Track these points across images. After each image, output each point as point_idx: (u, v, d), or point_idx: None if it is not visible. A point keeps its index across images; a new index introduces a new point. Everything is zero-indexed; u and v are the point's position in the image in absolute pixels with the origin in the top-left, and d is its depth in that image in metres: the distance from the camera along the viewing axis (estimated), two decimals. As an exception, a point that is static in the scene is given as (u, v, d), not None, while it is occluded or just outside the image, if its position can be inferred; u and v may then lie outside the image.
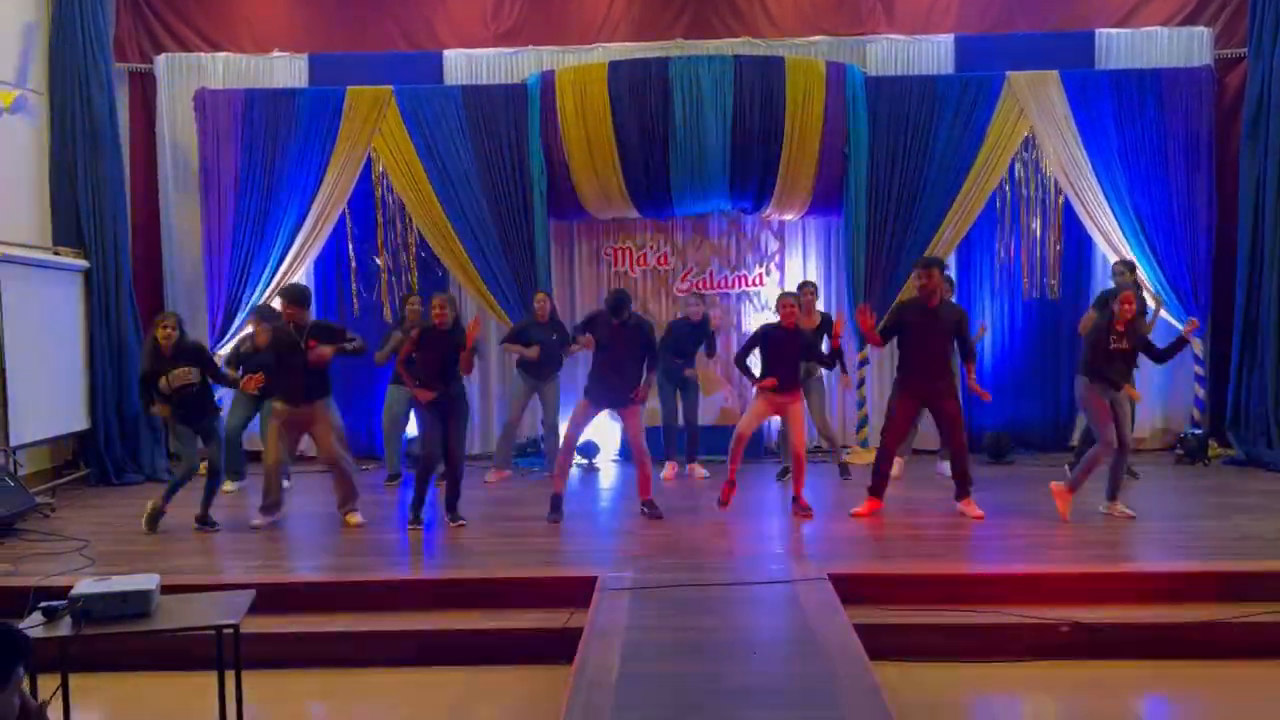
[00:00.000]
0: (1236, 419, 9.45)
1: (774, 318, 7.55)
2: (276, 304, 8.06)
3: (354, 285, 10.24)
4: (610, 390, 7.36)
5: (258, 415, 8.77)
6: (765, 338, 7.38)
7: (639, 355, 7.39)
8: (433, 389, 7.16)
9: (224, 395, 9.09)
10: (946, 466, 8.58)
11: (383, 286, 10.23)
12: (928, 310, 7.11)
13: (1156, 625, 5.39)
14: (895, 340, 7.31)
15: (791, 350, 7.35)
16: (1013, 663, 5.29)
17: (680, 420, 9.23)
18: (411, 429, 8.98)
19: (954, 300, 8.48)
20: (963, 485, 7.31)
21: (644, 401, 7.39)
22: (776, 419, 8.10)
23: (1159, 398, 9.99)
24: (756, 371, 7.48)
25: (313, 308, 8.37)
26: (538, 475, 9.20)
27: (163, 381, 7.09)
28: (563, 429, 8.00)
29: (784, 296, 7.46)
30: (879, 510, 7.35)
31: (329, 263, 10.23)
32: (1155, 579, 5.79)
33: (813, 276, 10.24)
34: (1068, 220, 9.95)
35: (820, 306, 9.15)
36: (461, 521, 7.27)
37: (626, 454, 9.75)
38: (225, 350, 9.28)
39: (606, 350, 7.35)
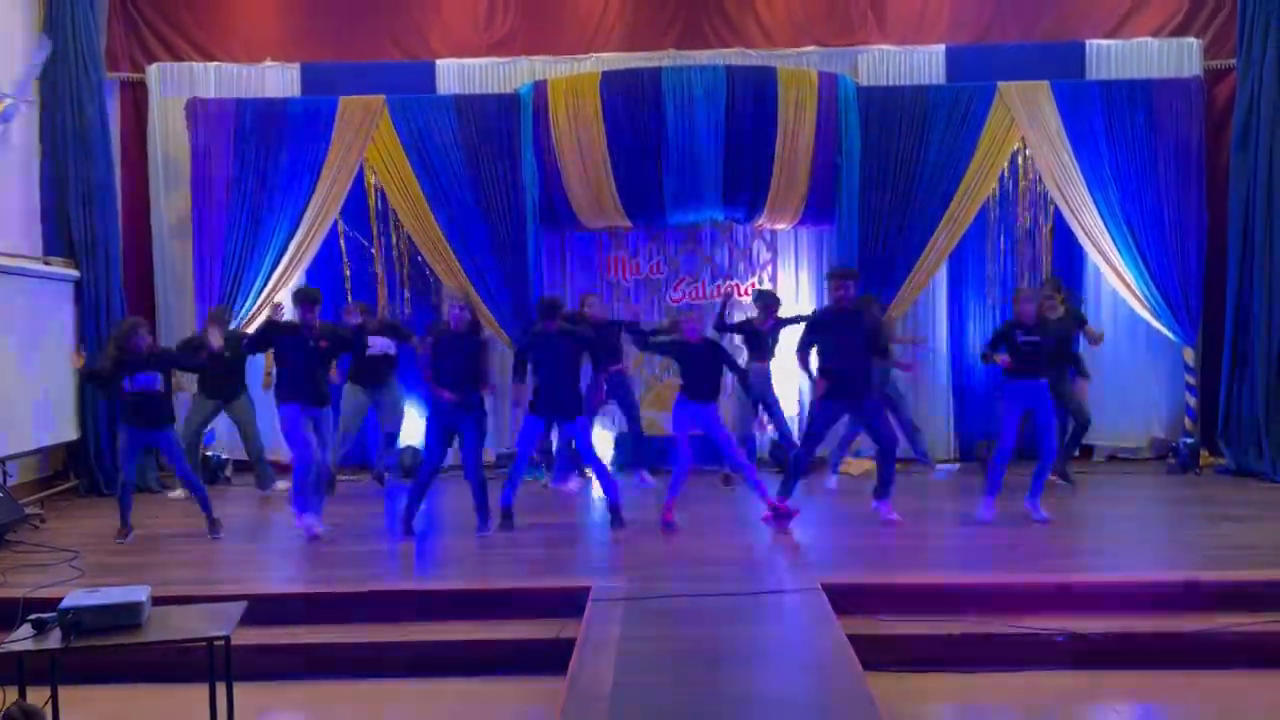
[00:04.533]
0: (1227, 428, 9.46)
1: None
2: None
3: (348, 293, 10.18)
4: (552, 403, 7.38)
5: (217, 417, 8.87)
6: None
7: (577, 363, 7.46)
8: (451, 394, 7.15)
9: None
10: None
11: (380, 294, 10.19)
12: (844, 315, 7.24)
13: (1149, 635, 5.40)
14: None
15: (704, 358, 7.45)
16: (1006, 672, 5.28)
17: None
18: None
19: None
20: (885, 486, 7.37)
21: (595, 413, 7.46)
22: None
23: (1150, 407, 10.01)
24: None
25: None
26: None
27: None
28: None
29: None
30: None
31: (322, 272, 10.17)
32: (1147, 588, 5.80)
33: (805, 286, 10.26)
34: (1059, 230, 9.97)
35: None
36: (487, 533, 7.27)
37: (619, 463, 9.72)
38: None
39: (545, 362, 7.40)
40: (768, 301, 8.94)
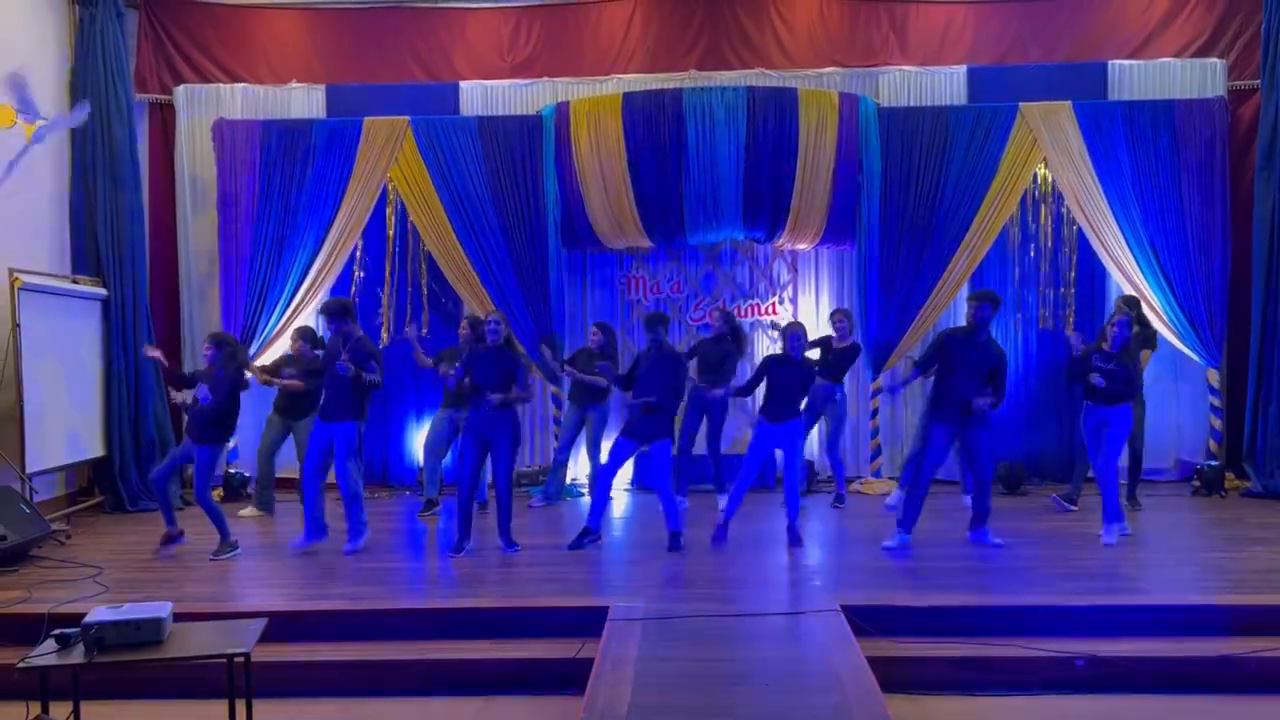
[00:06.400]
0: (1253, 451, 9.38)
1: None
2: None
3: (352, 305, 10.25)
4: (645, 424, 7.29)
5: (290, 438, 8.88)
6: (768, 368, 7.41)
7: (675, 387, 7.35)
8: (480, 408, 7.18)
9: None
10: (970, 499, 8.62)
11: (386, 315, 10.27)
12: (972, 341, 7.12)
13: (1171, 659, 5.35)
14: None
15: (790, 381, 7.36)
16: (1026, 696, 5.25)
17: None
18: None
19: None
20: (982, 517, 7.31)
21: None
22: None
23: (1176, 429, 9.94)
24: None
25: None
26: (538, 503, 9.19)
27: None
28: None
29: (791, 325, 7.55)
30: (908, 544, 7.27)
31: (344, 291, 10.25)
32: (1170, 612, 5.75)
33: (826, 306, 10.25)
34: (1081, 250, 9.95)
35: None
36: (515, 548, 7.30)
37: (639, 483, 9.73)
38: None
39: (644, 385, 7.33)
40: (846, 321, 8.95)
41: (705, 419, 8.84)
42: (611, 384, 8.00)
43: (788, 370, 7.35)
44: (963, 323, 7.68)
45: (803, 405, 7.60)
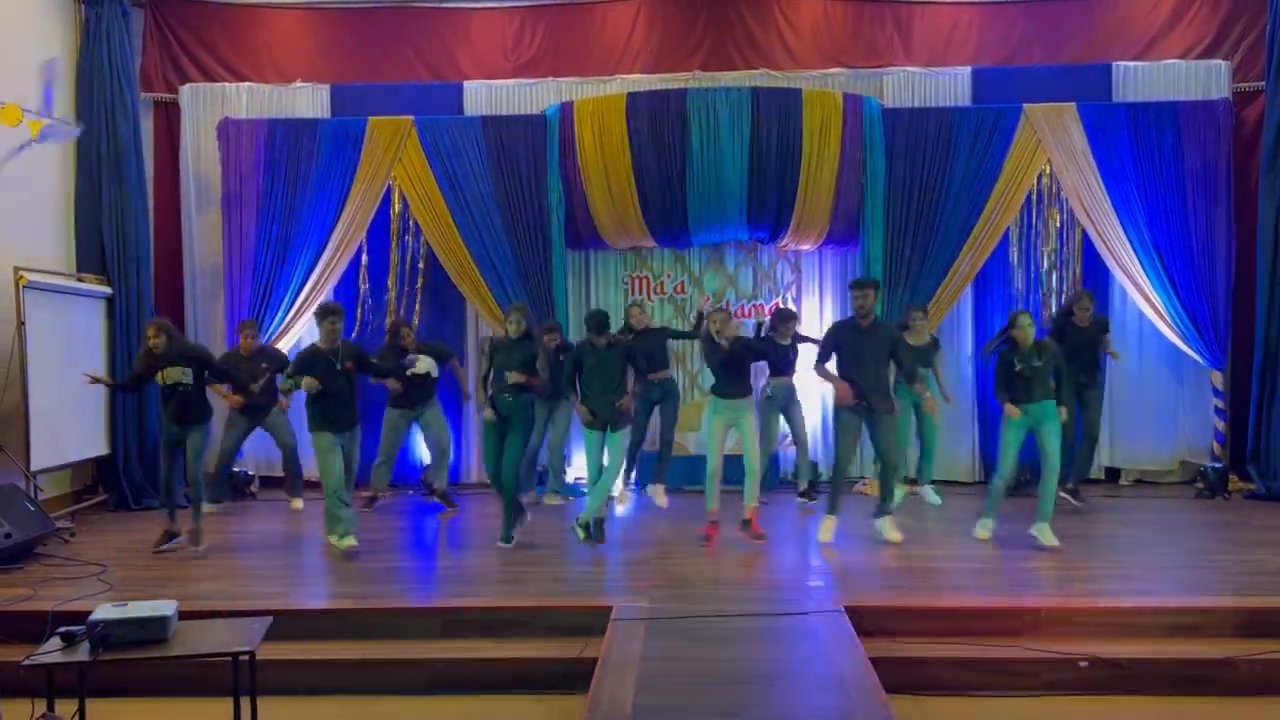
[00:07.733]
0: (1257, 453, 9.37)
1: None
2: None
3: (360, 311, 10.25)
4: (601, 414, 7.39)
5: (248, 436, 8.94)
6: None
7: (623, 375, 7.47)
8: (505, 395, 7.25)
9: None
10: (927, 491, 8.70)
11: (389, 313, 10.26)
12: (862, 330, 7.21)
13: (1175, 660, 5.36)
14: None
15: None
16: (1029, 697, 5.25)
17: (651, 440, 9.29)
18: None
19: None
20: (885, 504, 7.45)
21: (628, 411, 7.43)
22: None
23: (1178, 430, 9.92)
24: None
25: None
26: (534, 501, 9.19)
27: (159, 376, 7.30)
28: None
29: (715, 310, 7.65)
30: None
31: (350, 290, 10.26)
32: (1174, 613, 5.75)
33: (829, 307, 10.26)
34: (1085, 252, 9.93)
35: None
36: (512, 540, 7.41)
37: (641, 483, 9.70)
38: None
39: (594, 374, 7.43)
40: (785, 318, 8.92)
41: (659, 409, 8.95)
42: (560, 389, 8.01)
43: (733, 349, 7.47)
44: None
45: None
